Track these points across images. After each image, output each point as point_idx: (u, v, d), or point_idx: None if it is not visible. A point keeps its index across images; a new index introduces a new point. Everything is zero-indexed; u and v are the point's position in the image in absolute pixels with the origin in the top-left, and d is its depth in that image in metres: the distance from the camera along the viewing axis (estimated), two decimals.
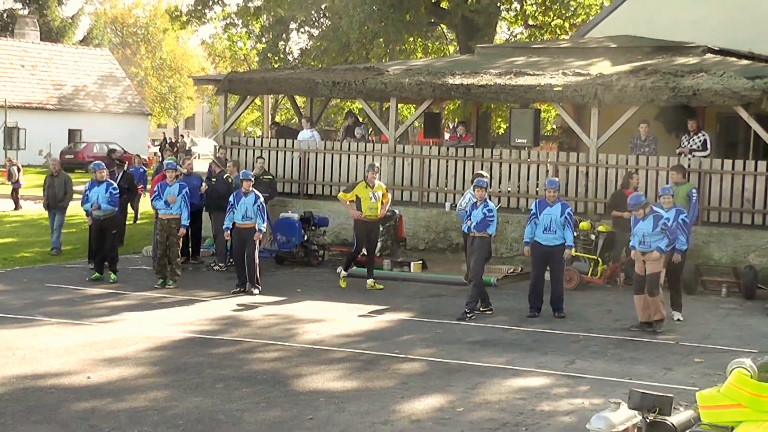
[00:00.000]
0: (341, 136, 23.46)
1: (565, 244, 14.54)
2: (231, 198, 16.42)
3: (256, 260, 16.18)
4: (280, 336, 12.93)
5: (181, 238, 17.02)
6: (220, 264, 18.60)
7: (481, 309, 14.62)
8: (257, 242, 16.16)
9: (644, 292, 13.42)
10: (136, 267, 18.89)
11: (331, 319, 14.13)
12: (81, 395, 9.90)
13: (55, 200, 20.50)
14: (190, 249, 19.25)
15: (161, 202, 16.65)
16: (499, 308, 14.85)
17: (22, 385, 10.22)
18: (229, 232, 16.38)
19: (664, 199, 14.23)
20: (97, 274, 17.11)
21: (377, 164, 17.70)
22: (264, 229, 16.43)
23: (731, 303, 16.02)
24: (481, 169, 19.80)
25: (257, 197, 16.20)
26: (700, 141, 18.61)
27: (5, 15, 64.79)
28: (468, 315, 14.36)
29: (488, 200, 15.00)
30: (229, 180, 18.84)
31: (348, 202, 17.02)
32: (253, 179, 16.58)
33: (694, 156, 18.41)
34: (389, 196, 17.71)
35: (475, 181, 15.24)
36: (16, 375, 10.61)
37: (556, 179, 15.75)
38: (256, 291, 15.97)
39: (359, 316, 14.42)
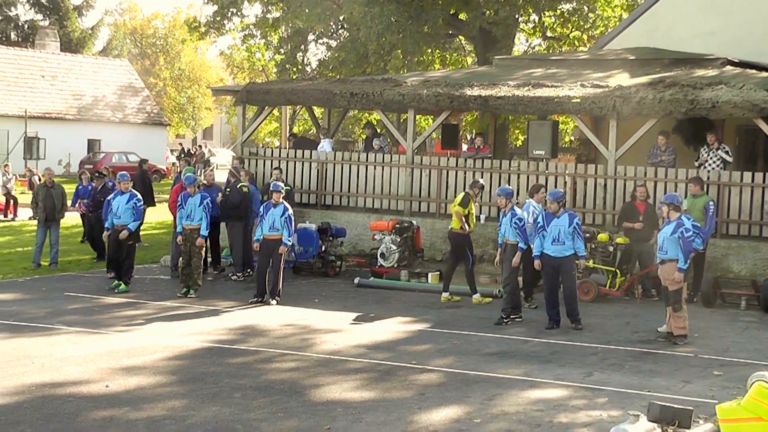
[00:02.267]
0: (362, 148, 23.47)
1: (578, 255, 14.51)
2: (261, 209, 16.49)
3: (281, 272, 16.23)
4: (297, 346, 12.94)
5: (202, 249, 17.05)
6: (238, 274, 18.64)
7: (512, 316, 14.77)
8: (282, 254, 16.20)
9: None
10: (155, 276, 18.95)
11: (348, 329, 14.14)
12: (99, 404, 9.94)
13: (54, 212, 20.03)
14: (209, 259, 19.28)
15: (183, 212, 16.72)
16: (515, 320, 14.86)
17: (41, 394, 10.27)
18: (258, 243, 16.39)
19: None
20: (117, 282, 17.16)
21: (481, 180, 17.52)
22: (290, 243, 16.44)
23: (750, 316, 15.93)
24: (499, 180, 19.84)
25: (285, 209, 16.21)
26: (719, 154, 18.50)
27: (26, 26, 65.29)
28: (505, 320, 14.62)
29: (515, 208, 15.12)
30: (245, 189, 18.86)
31: (463, 217, 16.50)
32: (283, 191, 16.56)
33: (713, 169, 18.30)
34: None
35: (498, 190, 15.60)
36: (35, 383, 10.66)
37: (560, 191, 15.67)
38: (274, 302, 15.99)
39: (376, 326, 14.42)
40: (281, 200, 16.31)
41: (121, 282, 17.04)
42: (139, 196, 17.51)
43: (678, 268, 13.44)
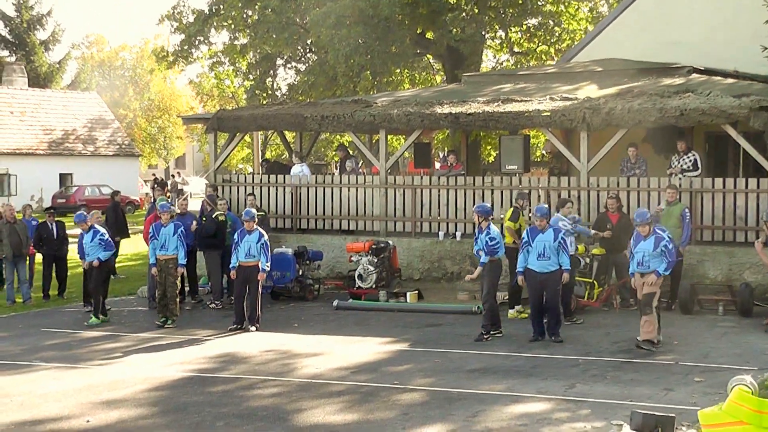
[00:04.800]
0: (338, 170, 23.46)
1: (562, 268, 14.54)
2: (235, 236, 16.43)
3: (260, 299, 16.17)
4: (278, 371, 12.89)
5: (177, 278, 16.97)
6: (216, 302, 18.55)
7: (491, 332, 14.74)
8: (260, 281, 16.14)
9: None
10: (132, 308, 18.83)
11: (328, 352, 14.09)
12: None
13: (20, 248, 19.79)
14: (186, 288, 19.19)
15: (157, 243, 16.64)
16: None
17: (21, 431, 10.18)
18: (234, 270, 16.30)
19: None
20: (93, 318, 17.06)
21: (526, 191, 17.48)
22: (267, 269, 16.37)
23: (728, 321, 16.00)
24: (473, 197, 19.88)
25: (261, 235, 16.16)
26: (690, 161, 18.67)
27: None
28: (485, 336, 14.62)
29: (491, 226, 15.00)
30: (221, 218, 18.81)
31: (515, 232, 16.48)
32: (256, 218, 16.50)
33: (685, 176, 18.48)
34: None
35: (476, 208, 15.42)
36: (14, 421, 10.55)
37: (545, 206, 15.68)
38: (254, 328, 15.93)
39: (357, 348, 14.38)
40: (255, 226, 16.26)
41: (92, 316, 16.95)
42: (102, 230, 17.38)
43: (656, 272, 13.53)
